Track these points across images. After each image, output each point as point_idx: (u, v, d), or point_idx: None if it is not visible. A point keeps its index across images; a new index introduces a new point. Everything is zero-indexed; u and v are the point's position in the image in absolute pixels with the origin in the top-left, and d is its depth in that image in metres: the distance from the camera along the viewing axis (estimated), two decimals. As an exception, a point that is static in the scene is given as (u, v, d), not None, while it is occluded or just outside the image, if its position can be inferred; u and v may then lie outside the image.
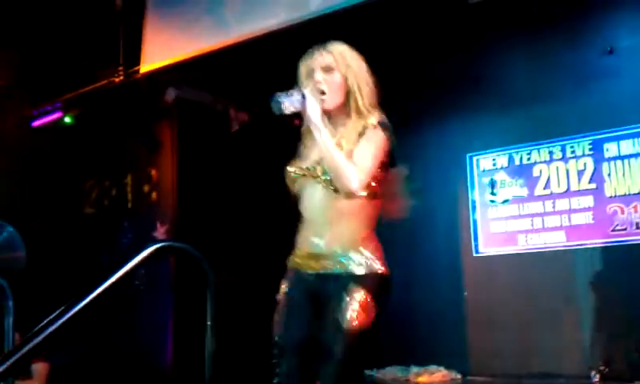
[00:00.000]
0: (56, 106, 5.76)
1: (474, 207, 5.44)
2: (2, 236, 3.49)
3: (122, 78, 5.47)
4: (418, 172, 5.44)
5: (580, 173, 5.06)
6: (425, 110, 5.33)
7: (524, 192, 5.25)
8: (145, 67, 5.36)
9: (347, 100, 2.61)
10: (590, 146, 5.04)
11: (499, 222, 5.32)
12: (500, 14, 4.62)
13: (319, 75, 2.58)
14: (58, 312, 1.58)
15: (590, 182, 5.01)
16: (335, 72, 2.60)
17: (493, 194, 5.37)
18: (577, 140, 5.09)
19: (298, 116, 2.54)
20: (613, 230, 4.86)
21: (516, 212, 5.25)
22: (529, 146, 5.28)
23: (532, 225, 5.18)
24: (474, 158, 5.48)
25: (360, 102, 2.59)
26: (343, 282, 2.42)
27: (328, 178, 2.49)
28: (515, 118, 5.28)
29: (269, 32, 4.47)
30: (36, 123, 5.89)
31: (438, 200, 5.40)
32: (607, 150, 4.97)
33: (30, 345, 1.47)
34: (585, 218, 4.99)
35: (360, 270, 2.46)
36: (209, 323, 1.76)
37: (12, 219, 3.68)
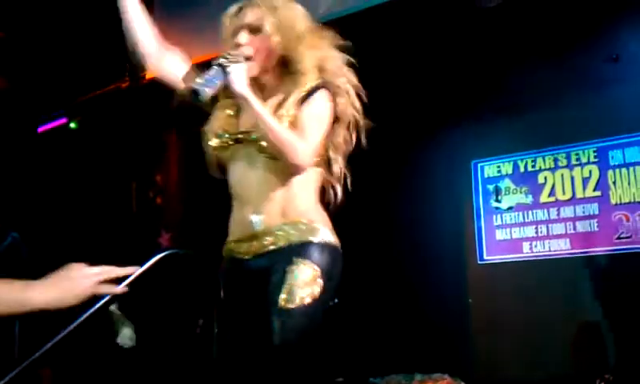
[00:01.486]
0: (61, 112, 5.77)
1: (478, 214, 5.42)
2: (7, 241, 3.48)
3: (128, 83, 5.49)
4: (422, 179, 5.47)
5: (585, 180, 5.04)
6: (429, 116, 5.31)
7: (529, 199, 5.24)
8: (151, 73, 5.37)
9: (282, 61, 2.32)
10: (595, 154, 5.02)
11: (504, 230, 5.30)
12: (506, 20, 4.62)
13: (243, 37, 2.29)
14: (64, 321, 1.56)
15: (595, 190, 4.99)
16: (263, 31, 2.28)
17: (497, 201, 5.35)
18: (582, 147, 5.07)
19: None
20: (618, 238, 4.84)
21: (521, 219, 5.24)
22: (533, 153, 5.26)
23: (537, 232, 5.17)
24: (479, 165, 5.47)
25: (300, 67, 2.28)
26: (286, 256, 2.18)
27: (265, 145, 2.20)
28: (520, 126, 5.26)
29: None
30: (41, 129, 5.90)
31: (443, 207, 5.40)
32: (612, 157, 4.95)
33: (37, 354, 1.46)
34: (590, 226, 4.97)
35: (305, 241, 2.21)
36: (216, 331, 1.75)
37: (16, 225, 3.68)
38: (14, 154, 5.72)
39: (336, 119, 2.40)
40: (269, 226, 2.24)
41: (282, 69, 2.35)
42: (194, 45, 5.33)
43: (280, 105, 2.29)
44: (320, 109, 2.29)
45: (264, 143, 2.21)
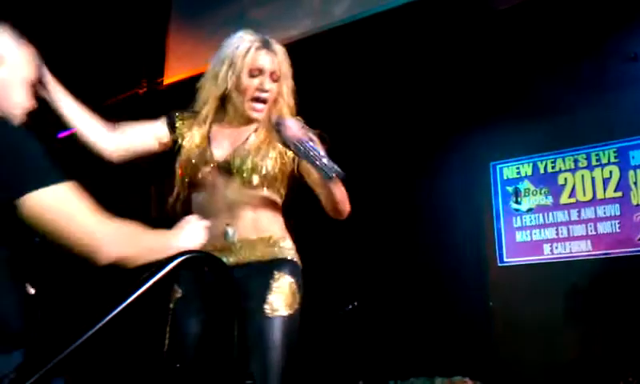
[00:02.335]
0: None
1: (497, 216, 5.39)
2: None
3: (145, 89, 5.51)
4: (441, 181, 5.46)
5: (606, 181, 4.99)
6: (448, 119, 5.30)
7: (549, 201, 5.21)
8: (168, 79, 5.40)
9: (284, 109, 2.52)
10: (616, 154, 4.97)
11: (524, 231, 5.27)
12: (524, 21, 4.60)
13: (268, 84, 2.47)
14: (83, 326, 1.56)
15: (615, 191, 4.94)
16: (280, 81, 2.50)
17: (517, 202, 5.32)
18: (602, 148, 5.03)
19: None
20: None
21: (541, 221, 5.20)
22: (553, 154, 5.23)
23: (557, 234, 5.13)
24: (498, 167, 5.44)
25: (285, 111, 2.49)
26: (267, 270, 2.34)
27: (248, 175, 2.40)
28: (539, 127, 5.23)
29: (291, 42, 4.48)
30: (62, 134, 5.93)
31: (462, 209, 5.37)
32: (633, 157, 4.90)
33: (54, 361, 1.46)
34: (611, 227, 4.93)
35: (282, 258, 2.39)
36: (235, 333, 1.74)
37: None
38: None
39: None
40: (244, 239, 2.39)
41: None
42: (209, 50, 5.36)
43: (266, 139, 2.49)
44: None
45: (245, 173, 2.40)
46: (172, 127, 2.60)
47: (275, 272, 2.35)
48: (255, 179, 2.41)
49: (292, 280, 2.36)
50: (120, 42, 5.78)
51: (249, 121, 2.53)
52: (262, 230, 2.42)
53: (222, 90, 2.52)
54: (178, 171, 2.58)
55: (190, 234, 2.07)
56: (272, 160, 2.45)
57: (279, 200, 2.52)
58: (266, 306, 2.26)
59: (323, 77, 4.81)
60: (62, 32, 5.71)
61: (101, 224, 1.72)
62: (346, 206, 2.40)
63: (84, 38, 5.77)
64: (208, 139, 2.55)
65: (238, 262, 2.37)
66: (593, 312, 4.87)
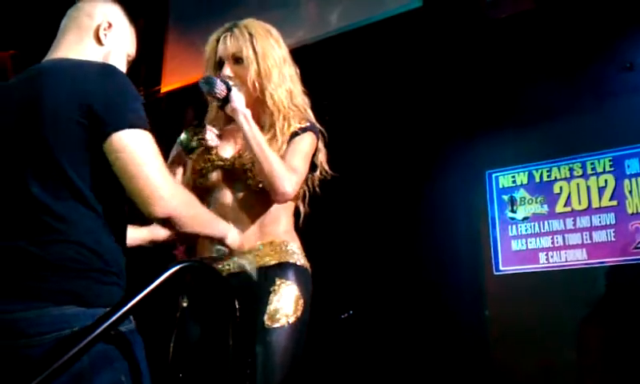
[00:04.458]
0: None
1: (493, 225, 5.39)
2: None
3: (142, 96, 5.51)
4: (436, 190, 5.47)
5: (601, 190, 5.01)
6: (443, 127, 5.31)
7: (544, 209, 5.22)
8: (165, 87, 5.41)
9: (262, 96, 2.42)
10: (611, 163, 4.98)
11: (520, 240, 5.28)
12: (519, 30, 4.62)
13: (228, 70, 2.40)
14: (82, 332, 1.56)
15: (611, 199, 4.95)
16: (244, 63, 2.39)
17: (513, 211, 5.33)
18: (597, 156, 5.04)
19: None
20: (635, 248, 4.80)
21: (536, 230, 5.21)
22: (549, 163, 5.24)
23: (553, 242, 5.14)
24: (493, 176, 5.45)
25: (276, 98, 2.38)
26: (268, 276, 2.28)
27: (249, 174, 2.34)
28: (535, 135, 5.24)
29: (290, 49, 4.49)
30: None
31: (458, 218, 5.38)
32: (628, 166, 4.92)
33: (60, 362, 1.46)
34: (606, 236, 4.93)
35: (285, 262, 2.31)
36: (230, 342, 1.75)
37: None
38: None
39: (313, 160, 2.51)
40: (249, 246, 2.30)
41: (262, 103, 2.45)
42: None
43: (268, 137, 2.39)
44: (308, 148, 2.41)
45: (247, 172, 2.34)
46: (187, 150, 2.51)
47: (277, 279, 2.29)
48: (254, 179, 2.37)
49: (294, 286, 2.28)
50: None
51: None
52: (266, 234, 2.37)
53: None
54: (187, 176, 2.56)
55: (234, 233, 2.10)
56: None
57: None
58: (265, 317, 2.21)
59: (321, 86, 4.82)
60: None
61: (166, 179, 1.78)
62: (273, 180, 2.26)
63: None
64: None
65: (234, 270, 2.33)
66: (589, 320, 4.88)
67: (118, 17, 2.05)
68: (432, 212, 5.35)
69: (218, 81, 2.28)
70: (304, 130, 2.43)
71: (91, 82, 1.76)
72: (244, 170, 2.36)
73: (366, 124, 5.33)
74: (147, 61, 5.75)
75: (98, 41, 2.00)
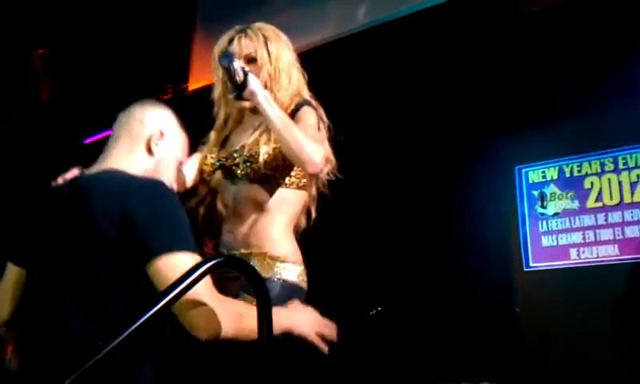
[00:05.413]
0: (107, 124, 5.85)
1: (523, 221, 5.35)
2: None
3: (170, 95, 5.54)
4: (465, 186, 5.43)
5: (633, 184, 4.95)
6: (473, 123, 5.27)
7: (575, 205, 5.16)
8: (193, 84, 5.43)
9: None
10: (643, 157, 4.94)
11: (550, 236, 5.23)
12: (550, 24, 4.58)
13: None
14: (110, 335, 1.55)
15: (643, 194, 4.91)
16: (257, 64, 2.40)
17: (543, 207, 5.28)
18: (629, 151, 4.98)
19: None
20: (668, 243, 4.75)
21: (567, 225, 5.16)
22: (579, 157, 5.18)
23: (584, 238, 5.08)
24: (523, 171, 5.41)
25: (279, 100, 2.36)
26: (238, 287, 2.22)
27: (244, 167, 2.32)
28: (565, 130, 5.19)
29: (317, 46, 4.48)
30: (88, 140, 6.00)
31: (487, 214, 5.34)
32: (661, 160, 4.87)
33: (93, 360, 1.46)
34: (639, 231, 4.87)
35: (269, 277, 2.23)
36: (264, 340, 1.74)
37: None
38: (62, 166, 5.80)
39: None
40: (244, 250, 2.32)
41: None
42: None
43: (264, 131, 2.38)
44: (312, 119, 2.37)
45: (241, 165, 2.34)
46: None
47: (242, 293, 2.22)
48: (250, 171, 2.35)
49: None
50: (145, 48, 5.82)
51: (251, 116, 2.49)
52: (248, 243, 2.34)
53: (217, 92, 2.58)
54: (198, 178, 2.59)
55: (295, 317, 2.07)
56: (269, 150, 2.36)
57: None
58: None
59: (349, 82, 4.81)
60: (89, 39, 5.76)
61: (212, 302, 1.76)
62: (302, 153, 2.20)
63: (110, 44, 5.82)
64: (221, 143, 2.55)
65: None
66: (620, 317, 4.82)
67: (169, 124, 2.07)
68: (462, 208, 5.32)
69: (236, 63, 2.27)
70: (299, 105, 2.42)
71: (139, 202, 1.77)
72: (236, 166, 2.38)
73: (396, 120, 5.31)
74: (175, 58, 5.78)
75: (150, 151, 2.01)
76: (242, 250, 2.33)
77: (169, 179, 2.02)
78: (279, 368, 2.05)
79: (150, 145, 2.00)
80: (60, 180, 2.09)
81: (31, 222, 1.94)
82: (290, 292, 2.27)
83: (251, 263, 2.20)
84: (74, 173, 2.11)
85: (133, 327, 1.52)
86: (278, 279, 2.28)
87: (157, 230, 1.74)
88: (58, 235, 1.83)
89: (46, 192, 2.00)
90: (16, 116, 6.06)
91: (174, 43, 5.83)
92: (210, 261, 1.65)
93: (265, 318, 1.73)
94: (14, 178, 5.68)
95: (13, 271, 2.02)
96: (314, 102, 2.47)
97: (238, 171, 2.37)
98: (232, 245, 2.37)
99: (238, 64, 2.26)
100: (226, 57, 2.27)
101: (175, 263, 1.71)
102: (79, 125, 6.10)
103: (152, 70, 5.82)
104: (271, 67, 2.42)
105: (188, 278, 1.60)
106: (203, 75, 5.48)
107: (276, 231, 2.36)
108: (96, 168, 2.00)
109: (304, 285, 2.37)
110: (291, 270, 2.33)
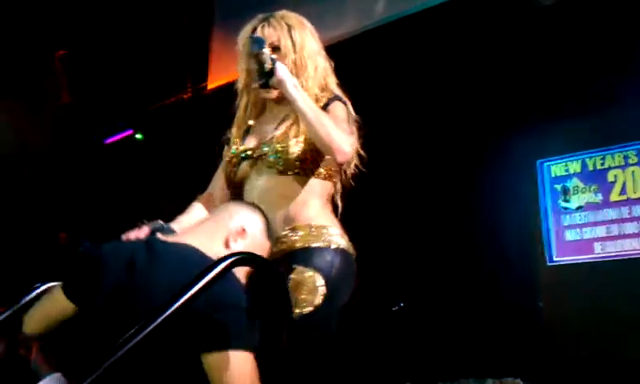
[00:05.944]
0: (127, 123, 5.88)
1: (546, 215, 5.31)
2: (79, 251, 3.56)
3: (190, 94, 5.56)
4: (487, 180, 5.41)
5: (657, 177, 4.91)
6: (494, 117, 5.24)
7: (598, 198, 5.11)
8: (212, 83, 5.44)
9: None
10: (667, 150, 4.89)
11: (573, 230, 5.18)
12: (571, 16, 4.54)
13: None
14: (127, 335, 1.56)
15: (667, 187, 4.86)
16: (282, 52, 2.36)
17: (566, 200, 5.24)
18: (653, 144, 4.95)
19: None
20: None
21: (591, 219, 5.11)
22: (602, 151, 5.13)
23: (608, 232, 5.03)
24: (545, 165, 5.36)
25: (306, 85, 2.34)
26: (286, 264, 2.18)
27: (274, 159, 2.30)
28: (587, 123, 5.14)
29: (339, 41, 4.47)
30: (109, 140, 6.03)
31: (510, 208, 5.30)
32: (685, 153, 4.82)
33: (115, 357, 1.47)
34: (663, 225, 4.83)
35: (307, 247, 2.21)
36: (284, 337, 1.73)
37: (86, 235, 3.76)
38: (84, 166, 5.86)
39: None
40: (280, 231, 2.27)
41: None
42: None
43: (293, 123, 2.36)
44: (343, 114, 2.36)
45: (271, 158, 2.31)
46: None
47: (294, 265, 2.19)
48: (281, 164, 2.31)
49: (314, 272, 2.17)
50: (165, 48, 5.85)
51: (275, 107, 2.47)
52: (290, 220, 2.30)
53: (242, 82, 2.52)
54: (221, 172, 2.58)
55: None
56: (299, 143, 2.33)
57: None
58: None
59: (369, 76, 4.80)
60: (108, 40, 5.80)
61: None
62: (333, 142, 2.18)
63: (130, 43, 5.85)
64: (244, 135, 2.52)
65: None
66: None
67: (254, 226, 2.10)
68: (484, 203, 5.29)
69: (266, 49, 2.26)
70: (330, 101, 2.39)
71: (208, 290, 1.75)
72: (264, 156, 2.35)
73: (417, 114, 5.30)
74: (194, 57, 5.81)
75: (227, 244, 2.04)
76: (286, 228, 2.29)
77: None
78: (298, 366, 2.04)
79: (228, 240, 2.04)
80: (132, 235, 2.15)
81: (99, 268, 1.92)
82: (342, 255, 2.26)
83: (298, 234, 2.23)
84: (145, 231, 2.17)
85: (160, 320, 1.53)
86: (330, 246, 2.25)
87: (221, 322, 1.76)
88: (122, 289, 1.84)
89: (122, 243, 2.08)
90: (38, 119, 6.10)
91: (193, 42, 5.85)
92: (232, 257, 1.65)
93: (284, 317, 1.72)
94: (40, 183, 5.73)
95: (60, 299, 1.99)
96: (343, 97, 2.45)
97: (268, 163, 2.34)
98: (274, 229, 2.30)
99: (267, 51, 2.24)
100: (256, 42, 2.24)
101: (229, 360, 1.73)
102: (100, 125, 6.14)
103: (171, 69, 5.85)
104: (296, 56, 2.39)
105: (210, 272, 1.61)
106: (222, 74, 5.49)
107: (312, 210, 2.33)
108: (172, 237, 2.07)
109: (353, 251, 2.35)
110: (342, 237, 2.32)
